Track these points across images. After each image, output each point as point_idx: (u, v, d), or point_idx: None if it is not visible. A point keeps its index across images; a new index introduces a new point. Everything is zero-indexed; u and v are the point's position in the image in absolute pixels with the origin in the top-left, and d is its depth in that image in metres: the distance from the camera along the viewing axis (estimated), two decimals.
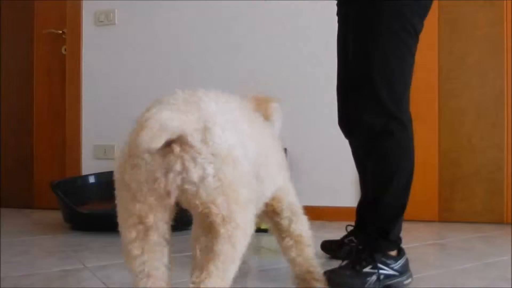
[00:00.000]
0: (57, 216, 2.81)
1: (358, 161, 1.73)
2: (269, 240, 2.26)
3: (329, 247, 1.92)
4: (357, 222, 1.87)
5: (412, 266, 1.56)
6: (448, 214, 2.76)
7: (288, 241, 1.29)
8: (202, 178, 0.86)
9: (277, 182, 1.21)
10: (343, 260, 1.55)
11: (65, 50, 3.36)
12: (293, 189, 1.34)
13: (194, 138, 0.85)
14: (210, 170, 0.86)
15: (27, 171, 3.49)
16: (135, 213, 0.90)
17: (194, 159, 0.85)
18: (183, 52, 3.09)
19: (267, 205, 1.24)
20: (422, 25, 1.51)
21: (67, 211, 2.55)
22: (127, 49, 3.22)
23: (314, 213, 2.78)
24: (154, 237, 0.93)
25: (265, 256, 2.00)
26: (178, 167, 0.85)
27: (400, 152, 1.49)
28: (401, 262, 1.50)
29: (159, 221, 0.93)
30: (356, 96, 1.53)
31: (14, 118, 3.55)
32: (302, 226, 1.30)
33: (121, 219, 0.95)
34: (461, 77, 2.76)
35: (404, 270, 1.51)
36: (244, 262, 1.86)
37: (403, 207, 1.52)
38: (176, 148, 0.85)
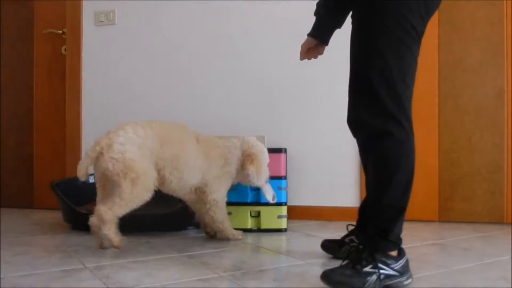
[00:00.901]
0: (57, 216, 2.81)
1: (362, 161, 1.73)
2: (269, 240, 2.26)
3: (330, 246, 1.93)
4: (358, 221, 1.87)
5: (412, 266, 1.57)
6: (448, 214, 2.76)
7: (206, 218, 2.22)
8: (107, 167, 1.91)
9: (197, 178, 2.11)
10: (343, 260, 1.55)
11: (65, 50, 3.36)
12: (221, 189, 2.18)
13: (105, 150, 1.92)
14: (110, 164, 1.90)
15: (27, 171, 3.49)
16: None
17: (104, 158, 1.92)
18: (183, 52, 3.09)
19: (196, 192, 2.17)
20: (424, 25, 1.50)
21: (67, 211, 2.55)
22: (127, 49, 3.22)
23: (314, 213, 2.82)
24: (103, 190, 2.01)
25: (265, 256, 2.00)
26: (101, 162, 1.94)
27: (400, 152, 1.49)
28: (401, 262, 1.50)
29: (104, 184, 2.00)
30: (357, 96, 1.54)
31: (14, 118, 3.56)
32: (215, 214, 2.17)
33: None
34: (461, 77, 2.76)
35: (404, 271, 1.51)
36: (244, 262, 1.87)
37: (403, 208, 1.52)
38: (101, 154, 1.94)
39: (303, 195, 2.83)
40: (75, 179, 2.91)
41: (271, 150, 2.53)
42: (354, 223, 1.89)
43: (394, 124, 1.47)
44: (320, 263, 1.81)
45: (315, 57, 1.86)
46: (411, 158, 1.52)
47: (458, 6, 2.75)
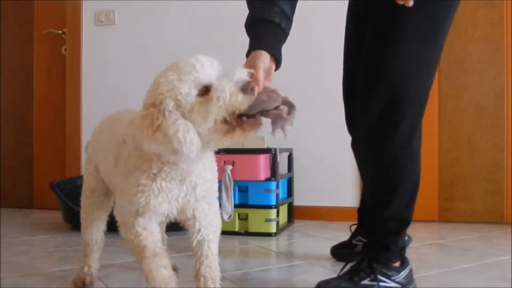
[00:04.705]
0: (57, 216, 2.81)
1: (362, 169, 1.55)
2: (269, 240, 2.26)
3: (340, 253, 1.81)
4: (359, 221, 1.82)
5: (412, 266, 1.56)
6: (448, 214, 2.76)
7: None
8: None
9: None
10: (341, 269, 1.47)
11: (65, 50, 3.37)
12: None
13: None
14: None
15: (27, 171, 3.49)
16: None
17: None
18: (183, 52, 3.08)
19: None
20: (448, 27, 1.41)
21: (67, 211, 2.55)
22: (127, 49, 3.22)
23: (314, 213, 2.81)
24: None
25: (265, 256, 2.00)
26: None
27: (407, 161, 1.38)
28: (403, 273, 1.39)
29: None
30: (371, 98, 1.35)
31: (14, 118, 3.56)
32: None
33: None
34: (461, 77, 2.76)
35: (407, 282, 1.40)
36: (244, 262, 1.86)
37: (407, 222, 1.41)
38: None
39: (303, 195, 2.83)
40: (75, 179, 2.95)
41: (252, 151, 2.40)
42: (354, 223, 1.85)
43: (409, 131, 1.34)
44: (320, 263, 1.81)
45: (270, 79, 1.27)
46: (418, 169, 1.41)
47: (458, 6, 2.74)
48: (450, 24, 1.40)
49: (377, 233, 1.42)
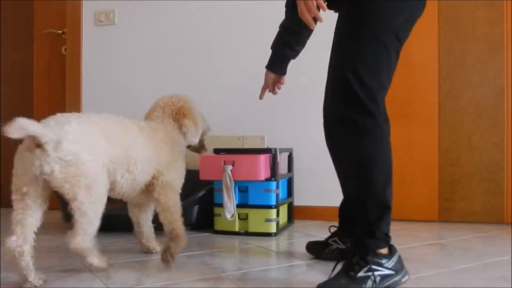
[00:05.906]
0: (57, 216, 2.81)
1: (333, 153, 1.72)
2: (269, 240, 2.26)
3: (314, 248, 1.91)
4: (340, 222, 1.87)
5: (412, 266, 1.56)
6: (448, 214, 2.76)
7: (157, 208, 1.80)
8: (52, 171, 1.44)
9: (150, 171, 1.74)
10: (333, 269, 1.50)
11: (65, 50, 3.37)
12: (174, 175, 1.82)
13: (49, 146, 1.46)
14: (56, 167, 1.44)
15: None
16: (15, 183, 1.54)
17: (46, 159, 1.45)
18: (183, 52, 3.09)
19: (149, 184, 1.78)
20: (408, 28, 1.50)
21: (67, 211, 2.55)
22: (127, 49, 3.22)
23: (314, 213, 2.81)
24: (28, 200, 1.50)
25: (265, 256, 2.00)
26: (37, 162, 1.47)
27: (376, 150, 1.46)
28: (394, 259, 1.46)
29: (32, 191, 1.50)
30: (333, 92, 1.56)
31: (14, 118, 3.55)
32: (167, 198, 1.77)
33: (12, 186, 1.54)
34: (461, 77, 2.76)
35: (399, 268, 1.47)
36: (244, 262, 1.86)
37: (387, 207, 1.47)
38: (37, 151, 1.49)
39: (303, 195, 2.83)
40: None
41: (252, 151, 2.44)
42: (337, 224, 1.89)
43: (371, 122, 1.44)
44: (321, 263, 1.81)
45: (279, 88, 2.06)
46: (388, 155, 1.49)
47: (458, 6, 2.75)
48: (402, 27, 1.48)
49: (360, 222, 1.48)
